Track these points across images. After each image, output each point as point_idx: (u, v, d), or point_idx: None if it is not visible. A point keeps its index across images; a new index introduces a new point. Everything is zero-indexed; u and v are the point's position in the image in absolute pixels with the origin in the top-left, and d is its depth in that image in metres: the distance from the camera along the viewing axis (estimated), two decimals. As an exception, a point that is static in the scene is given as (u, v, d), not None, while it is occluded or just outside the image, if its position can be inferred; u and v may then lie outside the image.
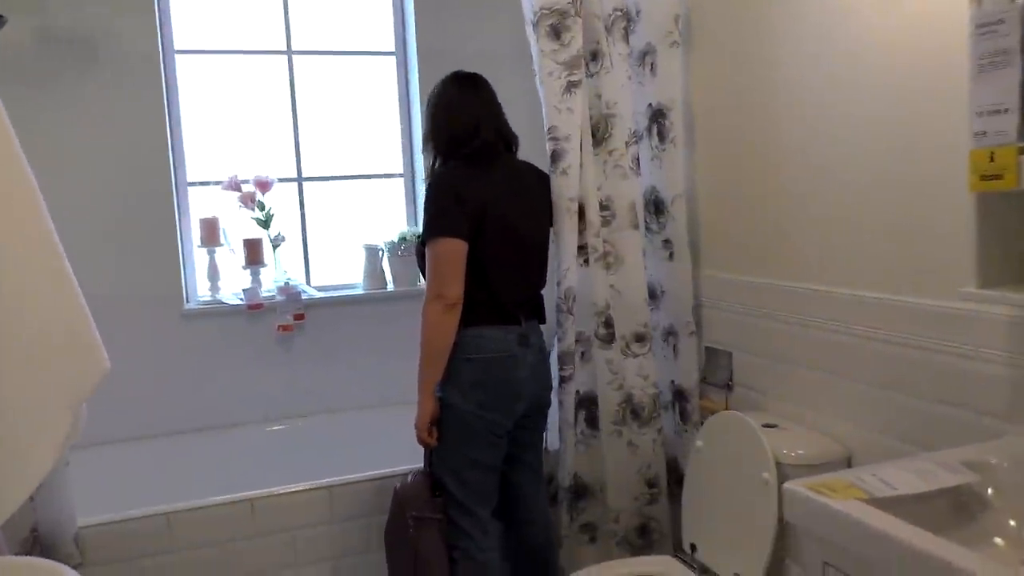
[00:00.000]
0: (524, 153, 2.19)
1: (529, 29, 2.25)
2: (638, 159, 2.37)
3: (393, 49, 3.02)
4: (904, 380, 1.66)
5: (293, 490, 2.17)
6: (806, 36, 1.86)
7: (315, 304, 2.83)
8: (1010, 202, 1.34)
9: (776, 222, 2.03)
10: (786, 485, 1.30)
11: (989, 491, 1.29)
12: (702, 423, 2.35)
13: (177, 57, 2.78)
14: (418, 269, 2.23)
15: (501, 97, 2.11)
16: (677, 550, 2.11)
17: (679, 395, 2.41)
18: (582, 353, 2.31)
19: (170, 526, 2.05)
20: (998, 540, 1.23)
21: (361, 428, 2.81)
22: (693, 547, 2.03)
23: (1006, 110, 1.26)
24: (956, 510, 1.28)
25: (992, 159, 1.28)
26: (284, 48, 2.93)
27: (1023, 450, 1.34)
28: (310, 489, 2.17)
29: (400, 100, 3.04)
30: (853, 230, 1.78)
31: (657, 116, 2.35)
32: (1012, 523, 1.25)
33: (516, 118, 2.19)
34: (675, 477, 2.44)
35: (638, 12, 2.34)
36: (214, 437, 2.72)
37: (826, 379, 1.89)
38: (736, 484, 1.91)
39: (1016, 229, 1.36)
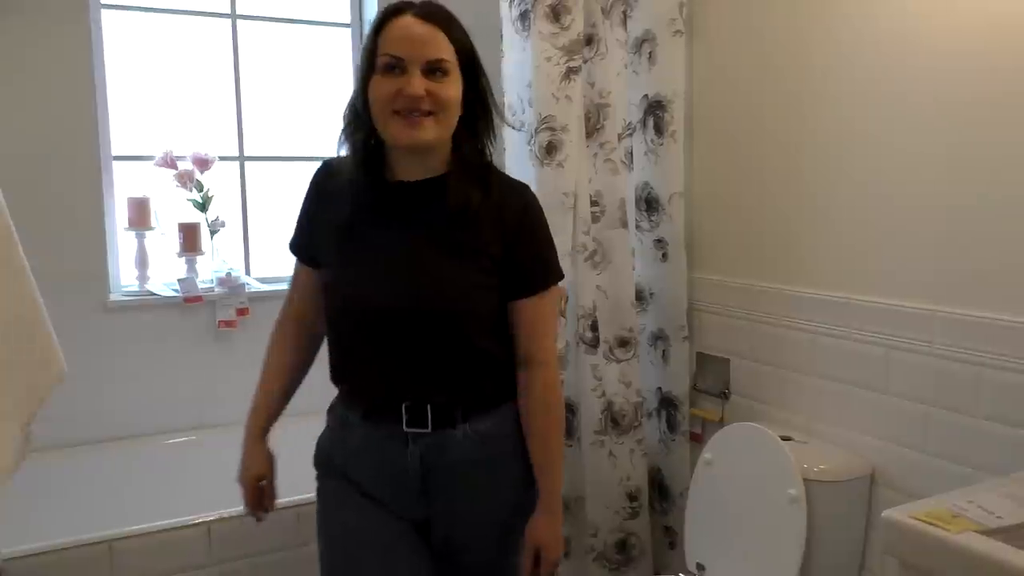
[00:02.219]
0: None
1: (505, 8, 2.08)
2: (630, 153, 2.24)
3: (348, 20, 2.76)
4: (943, 394, 1.60)
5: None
6: (839, 20, 1.77)
7: (260, 297, 2.54)
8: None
9: (784, 227, 1.95)
10: (887, 514, 1.20)
11: (1080, 517, 1.23)
12: (692, 432, 2.26)
13: (103, 12, 2.43)
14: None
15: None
16: (680, 571, 1.99)
17: (667, 402, 2.29)
18: (564, 359, 2.16)
19: (112, 555, 1.75)
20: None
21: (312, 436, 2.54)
22: (700, 567, 1.92)
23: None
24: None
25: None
26: (228, 11, 2.61)
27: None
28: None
29: (354, 76, 2.79)
30: (887, 235, 1.71)
31: (654, 108, 2.22)
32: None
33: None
34: (658, 489, 2.33)
35: (637, -1, 2.21)
36: (146, 447, 2.39)
37: (843, 390, 1.82)
38: (754, 501, 1.81)
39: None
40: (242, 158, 2.67)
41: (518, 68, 2.08)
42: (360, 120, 1.28)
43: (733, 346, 2.13)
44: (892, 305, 1.70)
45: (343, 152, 1.34)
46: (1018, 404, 1.48)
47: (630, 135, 2.22)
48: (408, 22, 1.24)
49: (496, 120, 1.34)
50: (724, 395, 2.16)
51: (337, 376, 1.37)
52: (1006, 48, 1.46)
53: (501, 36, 2.08)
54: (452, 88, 1.25)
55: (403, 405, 1.29)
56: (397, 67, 1.22)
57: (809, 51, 1.85)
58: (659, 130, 2.22)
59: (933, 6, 1.57)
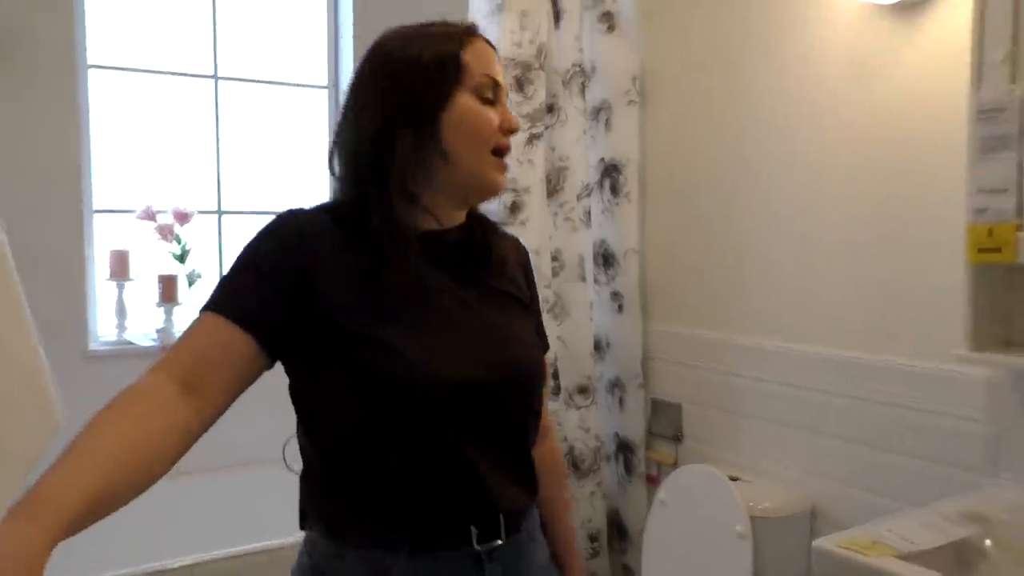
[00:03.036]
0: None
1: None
2: (588, 212, 2.41)
3: (326, 83, 2.92)
4: (873, 435, 1.76)
5: (234, 553, 1.98)
6: (774, 97, 1.97)
7: (234, 347, 2.63)
8: (1001, 273, 1.46)
9: (733, 278, 2.11)
10: (816, 543, 1.33)
11: (987, 543, 1.38)
12: (648, 475, 2.38)
13: (90, 71, 2.55)
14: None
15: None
16: (636, 605, 2.10)
17: (624, 447, 2.42)
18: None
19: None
20: (1008, 591, 1.31)
21: (286, 484, 2.62)
22: (655, 601, 2.04)
23: (1005, 190, 1.38)
24: (959, 562, 1.35)
25: (990, 234, 1.40)
26: (210, 73, 2.75)
27: (1013, 502, 1.44)
28: (252, 553, 1.99)
29: (329, 136, 2.93)
30: (821, 290, 1.88)
31: (610, 171, 2.40)
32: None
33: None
34: (617, 530, 2.45)
35: (594, 69, 2.39)
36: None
37: (786, 433, 1.96)
38: (705, 538, 1.93)
39: (1004, 298, 1.48)
40: (220, 212, 2.79)
41: (485, 133, 2.25)
42: (407, 158, 0.97)
43: (685, 392, 2.28)
44: (827, 353, 1.86)
45: (320, 199, 1.03)
46: (933, 442, 1.64)
47: (588, 195, 2.39)
48: (485, 46, 1.01)
49: None
50: (677, 439, 2.30)
51: (369, 500, 0.95)
52: (915, 120, 1.65)
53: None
54: None
55: (474, 514, 0.97)
56: (492, 94, 0.99)
57: (748, 121, 2.04)
58: (615, 191, 2.39)
59: (852, 83, 1.77)
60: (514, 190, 2.20)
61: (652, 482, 2.36)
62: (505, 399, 1.00)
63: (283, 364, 0.98)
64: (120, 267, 2.52)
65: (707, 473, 1.97)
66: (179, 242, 2.61)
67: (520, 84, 2.20)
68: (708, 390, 2.19)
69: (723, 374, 2.14)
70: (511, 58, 2.19)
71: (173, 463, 0.85)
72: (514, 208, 2.21)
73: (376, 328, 0.93)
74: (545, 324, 2.26)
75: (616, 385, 2.44)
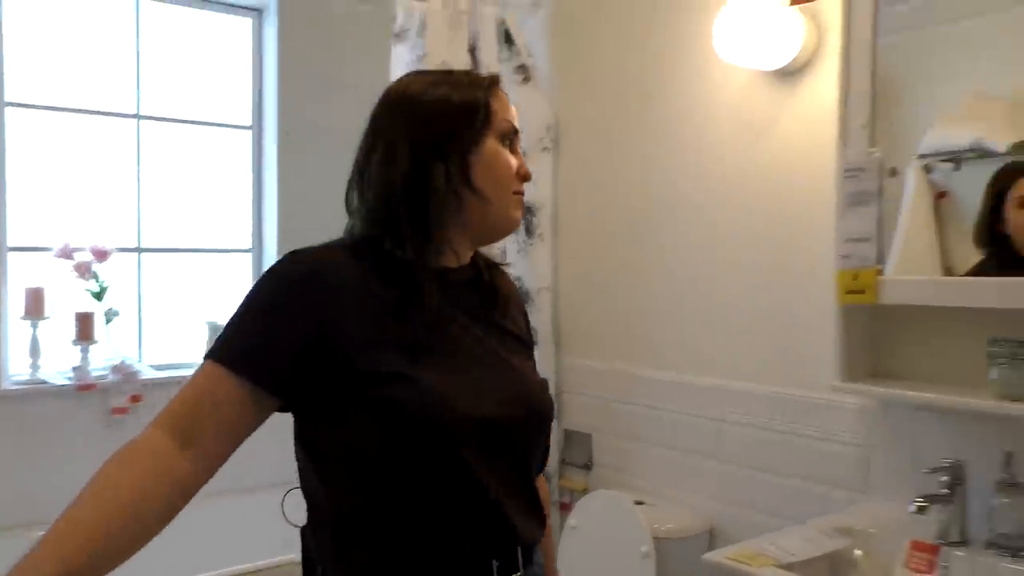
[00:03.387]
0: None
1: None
2: (505, 252, 2.54)
3: (249, 124, 2.98)
4: (762, 459, 1.92)
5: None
6: (675, 150, 2.15)
7: (154, 384, 2.64)
8: (866, 312, 1.65)
9: (639, 315, 2.27)
10: (707, 556, 1.47)
11: (857, 552, 1.55)
12: (561, 502, 2.50)
13: (7, 109, 2.55)
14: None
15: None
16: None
17: (538, 475, 2.53)
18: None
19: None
20: (875, 594, 1.48)
21: (213, 519, 2.62)
22: (567, 622, 2.14)
23: (867, 239, 1.58)
24: (834, 570, 1.51)
25: (856, 278, 1.59)
26: (132, 112, 2.79)
27: (880, 517, 1.61)
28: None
29: (253, 175, 2.99)
30: (717, 327, 2.05)
31: (525, 213, 2.54)
32: (882, 579, 1.50)
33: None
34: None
35: (509, 117, 2.54)
36: (39, 535, 2.40)
37: (686, 459, 2.12)
38: (612, 559, 2.06)
39: (868, 334, 1.67)
40: (140, 249, 2.80)
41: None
42: (443, 193, 1.00)
43: (595, 423, 2.41)
44: (721, 384, 2.02)
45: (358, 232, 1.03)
46: (814, 464, 1.81)
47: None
48: (505, 96, 1.07)
49: None
50: (588, 467, 2.43)
51: (394, 542, 0.95)
52: (795, 174, 1.84)
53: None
54: None
55: (496, 549, 0.99)
56: (512, 141, 1.06)
57: (651, 170, 2.21)
58: (529, 232, 2.53)
59: (742, 139, 1.96)
60: (434, 231, 2.31)
61: (565, 509, 2.48)
62: (524, 436, 1.03)
63: (292, 410, 0.98)
64: (35, 305, 2.51)
65: (614, 498, 2.10)
66: (97, 280, 2.61)
67: (439, 131, 2.33)
68: (616, 420, 2.33)
69: (630, 404, 2.28)
70: (431, 107, 2.31)
71: (173, 516, 0.88)
72: (434, 248, 2.32)
73: (404, 365, 0.93)
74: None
75: (531, 417, 2.55)
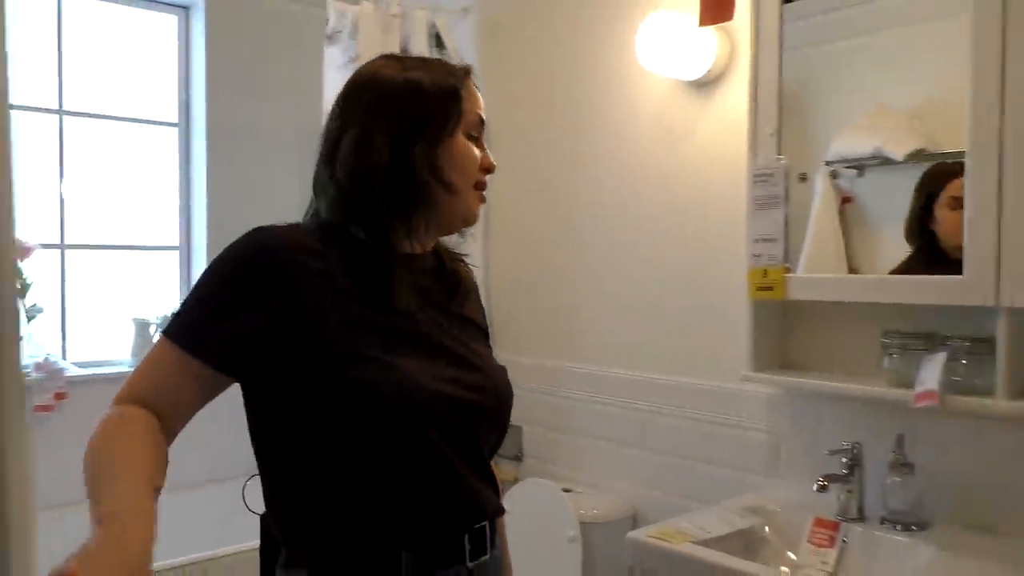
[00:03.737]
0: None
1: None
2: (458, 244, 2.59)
3: (176, 120, 2.96)
4: (681, 447, 2.04)
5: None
6: (600, 153, 2.25)
7: (79, 382, 2.61)
8: (775, 307, 1.77)
9: (567, 310, 2.37)
10: (629, 535, 1.57)
11: (767, 529, 1.67)
12: (491, 492, 2.58)
13: (-78, 103, 2.48)
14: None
15: (288, 175, 2.19)
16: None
17: (469, 467, 2.61)
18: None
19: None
20: (783, 568, 1.60)
21: (185, 508, 2.61)
22: (498, 607, 2.22)
23: (775, 240, 1.70)
24: (747, 547, 1.63)
25: (765, 275, 1.71)
26: (55, 107, 2.74)
27: (787, 497, 1.74)
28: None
29: (180, 172, 2.97)
30: (639, 322, 2.16)
31: (456, 212, 2.61)
32: (789, 554, 1.63)
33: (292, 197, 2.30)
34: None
35: (440, 119, 2.60)
36: None
37: (612, 448, 2.22)
38: (541, 544, 2.14)
39: (777, 328, 1.80)
40: (63, 246, 2.76)
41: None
42: (399, 184, 1.00)
43: (525, 415, 2.50)
44: (643, 377, 2.13)
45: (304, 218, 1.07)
46: (728, 450, 1.94)
47: (436, 235, 2.58)
48: (474, 88, 1.08)
49: None
50: (518, 458, 2.51)
51: (368, 521, 0.97)
52: (712, 178, 1.96)
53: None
54: None
55: (466, 524, 1.02)
56: (477, 134, 1.08)
57: (578, 172, 2.31)
58: (461, 232, 2.60)
59: (662, 145, 2.07)
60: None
61: (495, 499, 2.56)
62: (487, 419, 1.06)
63: (249, 393, 0.99)
64: (-46, 302, 2.45)
65: (543, 486, 2.19)
66: (20, 276, 2.56)
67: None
68: (545, 412, 2.43)
69: (558, 397, 2.38)
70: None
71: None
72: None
73: (377, 349, 0.95)
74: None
75: (462, 410, 2.63)
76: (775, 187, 1.70)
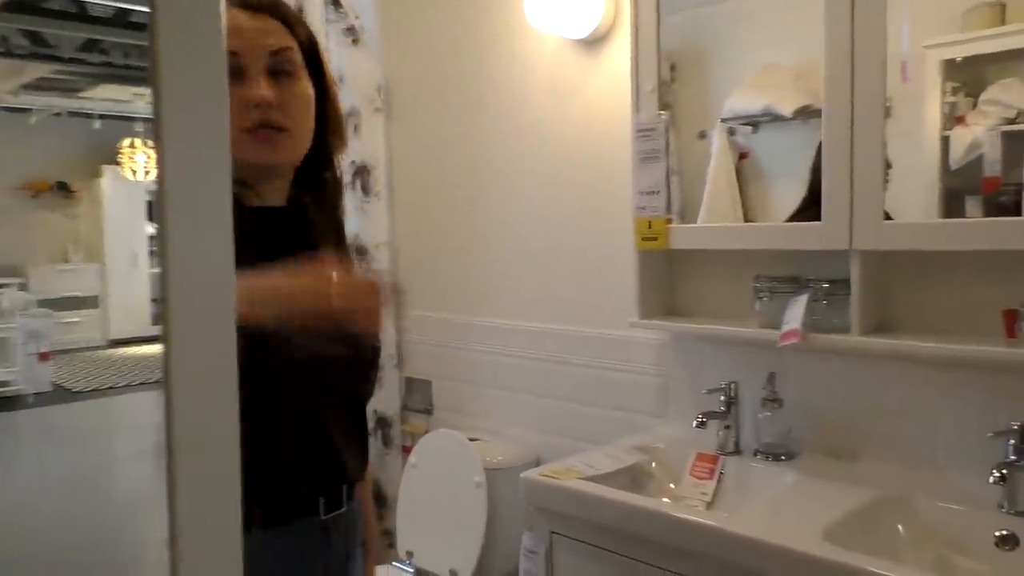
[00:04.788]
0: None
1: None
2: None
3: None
4: (580, 393, 2.14)
5: None
6: (498, 116, 2.30)
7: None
8: (660, 257, 1.87)
9: (471, 267, 2.43)
10: (522, 475, 1.66)
11: (653, 465, 1.78)
12: (403, 446, 2.65)
13: None
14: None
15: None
16: (393, 561, 2.36)
17: (382, 422, 2.67)
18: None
19: None
20: (665, 499, 1.72)
21: None
22: (409, 553, 2.31)
23: (657, 192, 1.79)
24: (634, 481, 1.74)
25: (650, 226, 1.80)
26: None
27: (674, 435, 1.86)
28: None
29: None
30: (538, 275, 2.23)
31: (361, 172, 2.63)
32: (671, 486, 1.74)
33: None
34: (377, 499, 2.69)
35: (341, 78, 2.60)
36: None
37: (516, 397, 2.31)
38: (449, 491, 2.23)
39: (663, 277, 1.89)
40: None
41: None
42: None
43: (434, 369, 2.57)
44: (541, 327, 2.22)
45: None
46: (621, 394, 2.04)
47: (341, 194, 2.59)
48: (233, 15, 0.96)
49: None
50: (428, 411, 2.58)
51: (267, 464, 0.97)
52: (601, 133, 2.03)
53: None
54: (304, 90, 1.02)
55: (324, 485, 1.07)
56: (233, 69, 0.94)
57: (475, 130, 2.35)
58: (366, 190, 2.62)
59: (553, 102, 2.13)
60: (269, 190, 2.36)
61: (407, 452, 2.62)
62: (357, 373, 1.07)
63: None
64: None
65: (450, 436, 2.27)
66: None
67: (271, 91, 2.36)
68: (453, 366, 2.49)
69: (464, 351, 2.45)
70: (261, 67, 2.34)
71: None
72: (269, 207, 2.37)
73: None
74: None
75: (373, 367, 2.67)
76: (656, 141, 1.78)
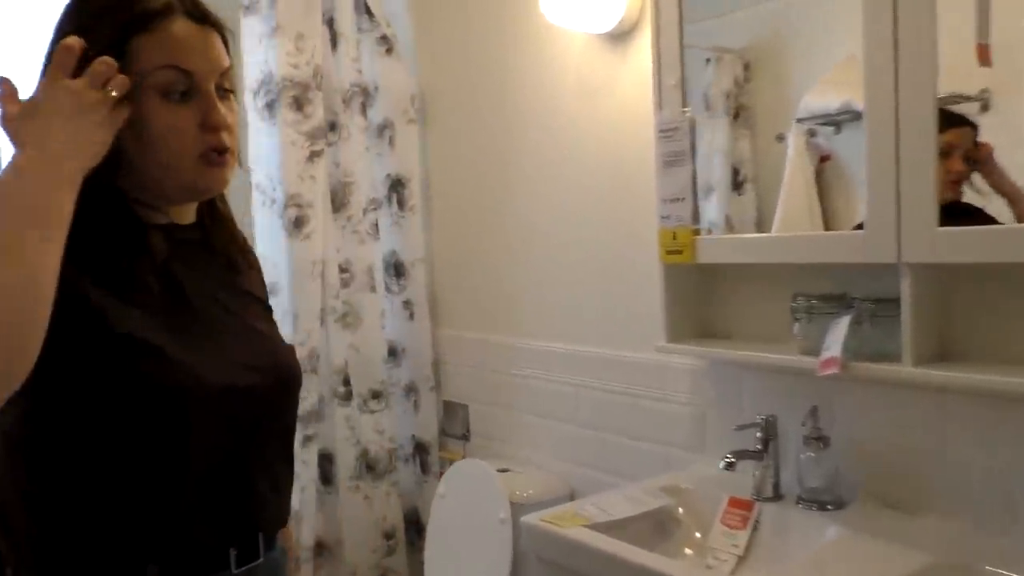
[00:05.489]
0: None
1: (249, 98, 2.30)
2: (376, 225, 2.51)
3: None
4: (614, 423, 1.94)
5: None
6: (529, 123, 2.13)
7: None
8: (689, 272, 1.65)
9: (505, 286, 2.27)
10: (523, 519, 1.48)
11: (680, 510, 1.57)
12: (441, 472, 2.51)
13: None
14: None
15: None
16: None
17: (419, 448, 2.54)
18: (319, 412, 2.36)
19: None
20: (688, 550, 1.50)
21: None
22: (436, 590, 2.16)
23: (683, 199, 1.58)
24: (657, 528, 1.53)
25: (675, 237, 1.59)
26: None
27: (707, 474, 1.63)
28: None
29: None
30: (571, 292, 2.05)
31: (396, 185, 2.51)
32: (698, 535, 1.52)
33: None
34: (415, 527, 2.56)
35: (376, 88, 2.50)
36: None
37: (551, 425, 2.13)
38: (475, 525, 2.07)
39: (694, 295, 1.68)
40: None
41: (266, 151, 2.31)
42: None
43: (471, 393, 2.42)
44: (576, 350, 2.03)
45: None
46: (658, 426, 1.83)
47: (375, 209, 2.49)
48: (184, 27, 0.88)
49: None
50: (465, 437, 2.43)
51: (114, 534, 0.86)
52: (632, 134, 1.83)
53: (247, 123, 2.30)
54: (236, 107, 0.97)
55: (235, 536, 0.94)
56: (186, 89, 0.88)
57: (509, 138, 2.20)
58: (401, 204, 2.51)
59: (583, 102, 1.95)
60: (297, 205, 2.28)
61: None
62: (276, 405, 0.98)
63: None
64: None
65: (477, 466, 2.11)
66: None
67: (299, 104, 2.28)
68: (489, 389, 2.34)
69: (501, 374, 2.29)
70: (288, 79, 2.27)
71: None
72: (298, 223, 2.28)
73: (137, 329, 0.84)
74: (334, 333, 2.34)
75: (411, 389, 2.55)
76: (680, 143, 1.57)
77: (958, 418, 1.32)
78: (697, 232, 1.57)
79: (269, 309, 1.09)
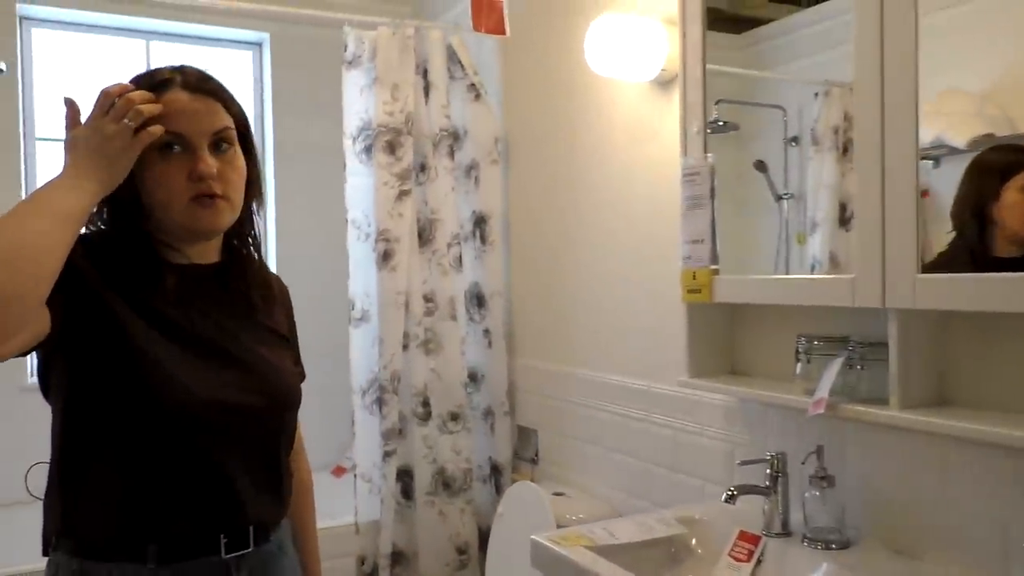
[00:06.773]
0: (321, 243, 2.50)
1: (348, 142, 2.55)
2: (460, 258, 2.69)
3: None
4: (658, 455, 2.00)
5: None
6: (591, 166, 2.25)
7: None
8: (714, 311, 1.71)
9: (566, 318, 2.38)
10: (533, 536, 1.58)
11: (693, 541, 1.62)
12: (512, 494, 2.64)
13: (38, 144, 2.94)
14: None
15: (333, 188, 2.42)
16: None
17: (495, 469, 2.68)
18: (400, 430, 2.55)
19: None
20: (692, 579, 1.55)
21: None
22: (492, 605, 2.28)
23: (702, 241, 1.65)
24: (667, 556, 1.59)
25: (695, 277, 1.66)
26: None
27: (723, 508, 1.67)
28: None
29: (256, 192, 3.27)
30: (625, 326, 2.14)
31: (479, 222, 2.69)
32: (707, 566, 1.57)
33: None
34: (487, 544, 2.69)
35: (465, 132, 2.70)
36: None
37: (600, 452, 2.21)
38: (526, 545, 2.17)
39: (719, 333, 1.73)
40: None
41: (362, 191, 2.56)
42: (125, 209, 1.10)
43: (540, 419, 2.54)
44: (625, 382, 2.11)
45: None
46: (694, 460, 1.88)
47: (458, 244, 2.68)
48: (179, 97, 1.09)
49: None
50: (534, 461, 2.55)
51: (122, 510, 1.06)
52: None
53: (344, 164, 2.55)
54: (240, 162, 1.14)
55: (224, 524, 1.11)
56: (178, 145, 1.07)
57: (577, 179, 2.32)
58: (483, 239, 2.68)
59: (635, 146, 2.04)
60: (386, 239, 2.51)
61: (514, 501, 2.61)
62: (261, 419, 1.15)
63: (59, 353, 1.04)
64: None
65: (530, 489, 2.22)
66: None
67: (392, 148, 2.52)
68: (555, 417, 2.45)
69: (563, 401, 2.40)
70: (384, 125, 2.51)
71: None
72: (386, 256, 2.51)
73: (145, 344, 1.05)
74: (419, 358, 2.54)
75: (488, 413, 2.70)
76: (701, 186, 1.64)
77: (956, 463, 1.31)
78: (716, 272, 1.63)
79: (284, 339, 1.27)
